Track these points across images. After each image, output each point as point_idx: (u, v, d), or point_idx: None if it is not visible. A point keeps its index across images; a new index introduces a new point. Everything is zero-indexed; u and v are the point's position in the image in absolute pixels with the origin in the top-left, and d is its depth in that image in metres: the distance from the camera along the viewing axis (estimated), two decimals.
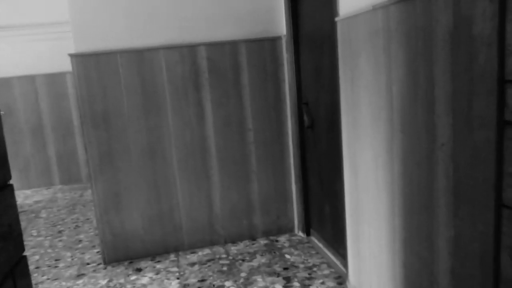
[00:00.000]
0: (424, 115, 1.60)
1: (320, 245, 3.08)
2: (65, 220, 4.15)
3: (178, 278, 2.76)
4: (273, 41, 3.16)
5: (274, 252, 3.05)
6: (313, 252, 3.01)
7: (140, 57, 2.99)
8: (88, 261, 3.17)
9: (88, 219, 4.14)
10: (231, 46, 3.11)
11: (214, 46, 3.08)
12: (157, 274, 2.85)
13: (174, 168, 3.14)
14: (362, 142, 2.13)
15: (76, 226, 3.97)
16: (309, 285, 2.56)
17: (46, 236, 3.76)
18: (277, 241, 3.26)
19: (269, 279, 2.66)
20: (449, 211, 1.50)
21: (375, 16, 1.85)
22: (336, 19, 2.24)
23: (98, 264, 3.09)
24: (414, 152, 1.69)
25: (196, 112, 3.13)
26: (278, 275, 2.70)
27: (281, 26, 3.15)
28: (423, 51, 1.55)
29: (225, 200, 3.26)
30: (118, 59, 2.95)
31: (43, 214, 4.40)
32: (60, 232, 3.85)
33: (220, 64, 3.11)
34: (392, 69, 1.78)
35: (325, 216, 2.97)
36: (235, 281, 2.67)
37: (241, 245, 3.22)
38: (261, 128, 3.25)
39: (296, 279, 2.63)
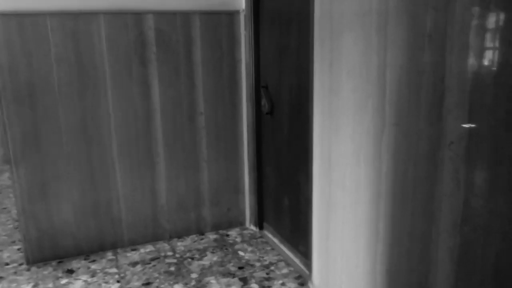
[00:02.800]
0: (427, 107, 1.40)
1: (275, 240, 2.86)
2: None
3: (118, 281, 2.40)
4: (231, 15, 2.84)
5: (226, 249, 2.78)
6: (268, 248, 2.79)
7: (75, 21, 2.52)
8: (7, 260, 2.69)
9: (5, 208, 3.58)
10: (184, 17, 2.74)
11: (164, 16, 2.69)
12: (92, 276, 2.47)
13: (113, 154, 2.74)
14: (341, 133, 1.91)
15: None
16: (269, 286, 2.33)
17: None
18: (227, 235, 3.00)
19: (224, 280, 2.39)
20: (456, 217, 1.32)
21: None
22: None
23: (20, 265, 2.62)
24: (410, 149, 1.50)
25: (141, 91, 2.74)
26: (234, 275, 2.44)
27: None
28: (434, 31, 1.34)
29: (171, 191, 2.92)
30: (48, 22, 2.47)
31: None
32: None
33: (170, 37, 2.73)
34: (387, 52, 1.56)
35: (282, 209, 2.75)
36: (186, 283, 2.37)
37: (188, 241, 2.92)
38: (214, 112, 2.93)
39: (253, 280, 2.39)
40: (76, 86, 2.58)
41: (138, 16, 2.64)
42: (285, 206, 2.71)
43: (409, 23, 1.44)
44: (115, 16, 2.60)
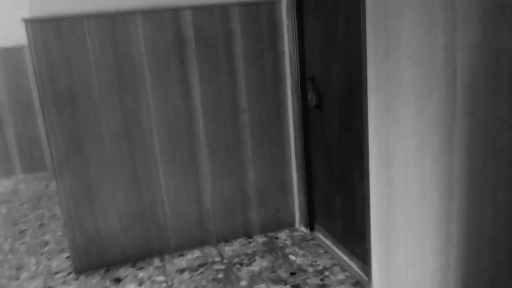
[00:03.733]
0: (509, 92, 1.18)
1: (328, 242, 2.68)
2: (28, 217, 3.60)
3: None
4: (271, 4, 2.67)
5: (276, 253, 2.63)
6: (321, 251, 2.61)
7: (112, 22, 2.45)
8: (56, 269, 2.68)
9: (54, 215, 3.60)
10: (222, 11, 2.60)
11: (201, 11, 2.57)
12: (140, 285, 2.39)
13: (156, 157, 2.65)
14: (401, 126, 1.70)
15: (41, 224, 3.43)
16: None
17: (6, 238, 3.23)
18: (276, 238, 2.85)
19: None
20: None
21: None
22: None
23: (69, 274, 2.60)
24: (489, 141, 1.28)
25: (181, 90, 2.63)
26: (286, 282, 2.29)
27: None
28: None
29: (216, 193, 2.81)
30: (85, 25, 2.40)
31: (3, 210, 3.83)
32: (22, 232, 3.31)
33: (209, 33, 2.60)
34: (457, 31, 1.34)
35: (335, 209, 2.56)
36: None
37: (236, 245, 2.79)
38: (258, 109, 2.78)
39: (307, 287, 2.22)
40: (116, 89, 2.51)
41: (175, 12, 2.53)
42: (338, 206, 2.52)
43: None
44: (152, 14, 2.50)
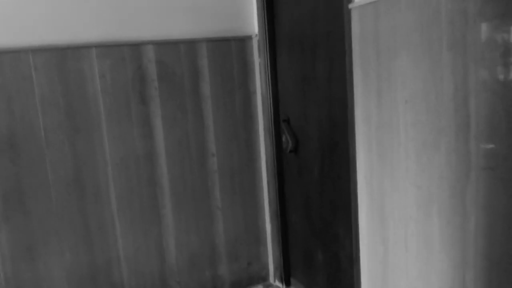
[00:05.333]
0: None
1: None
2: None
3: None
4: (242, 41, 2.48)
5: None
6: None
7: (63, 57, 2.16)
8: None
9: None
10: (189, 47, 2.38)
11: (166, 46, 2.33)
12: None
13: (112, 208, 2.32)
14: (399, 179, 1.50)
15: None
16: None
17: None
18: None
19: None
20: None
21: None
22: (351, 6, 1.61)
23: None
24: None
25: (142, 133, 2.34)
26: None
27: (252, 22, 2.47)
28: None
29: (181, 247, 2.49)
30: (31, 59, 2.10)
31: None
32: None
33: (174, 70, 2.36)
34: (469, 72, 1.17)
35: (315, 264, 2.31)
36: None
37: None
38: (227, 153, 2.53)
39: None
40: (66, 131, 2.19)
41: (136, 47, 2.28)
42: (319, 261, 2.27)
43: (507, 26, 1.05)
44: (110, 48, 2.24)
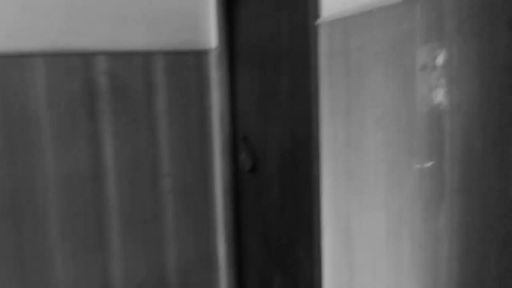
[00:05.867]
0: None
1: None
2: None
3: None
4: (200, 55, 2.39)
5: None
6: None
7: (2, 67, 1.95)
8: None
9: None
10: (143, 59, 2.25)
11: (119, 57, 2.19)
12: None
13: (52, 236, 2.11)
14: (367, 201, 1.44)
15: None
16: None
17: None
18: None
19: None
20: None
21: (412, 12, 1.21)
22: (318, 22, 1.57)
23: None
24: (491, 225, 1.05)
25: (90, 150, 2.17)
26: None
27: (211, 35, 2.39)
28: None
29: (129, 276, 2.30)
30: None
31: None
32: None
33: (127, 83, 2.22)
34: (446, 92, 1.15)
35: None
36: None
37: None
38: (182, 172, 2.40)
39: None
40: (1, 149, 1.97)
41: (86, 58, 2.12)
42: (277, 286, 2.17)
43: (485, 46, 1.04)
44: (56, 58, 2.07)
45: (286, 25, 1.87)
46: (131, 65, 2.21)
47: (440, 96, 1.16)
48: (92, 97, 2.14)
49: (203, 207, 2.47)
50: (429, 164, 1.31)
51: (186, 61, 2.35)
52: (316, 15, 1.59)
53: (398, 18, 1.25)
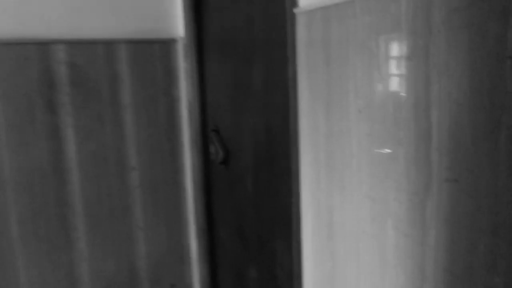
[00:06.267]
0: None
1: None
2: None
3: None
4: (166, 44, 2.29)
5: None
6: None
7: None
8: None
9: None
10: (106, 48, 2.13)
11: (79, 46, 2.06)
12: None
13: (12, 237, 1.97)
14: (350, 192, 1.44)
15: None
16: None
17: None
18: None
19: None
20: None
21: (397, 1, 1.20)
22: (296, 10, 1.53)
23: None
24: (481, 216, 1.07)
25: (50, 146, 2.04)
26: None
27: (177, 23, 2.29)
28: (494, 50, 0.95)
29: (97, 276, 2.20)
30: None
31: None
32: None
33: (89, 74, 2.09)
34: (432, 82, 1.15)
35: (248, 282, 2.19)
36: None
37: None
38: (150, 166, 2.31)
39: None
40: None
41: (43, 47, 1.97)
42: (253, 278, 2.15)
43: (474, 37, 1.04)
44: (10, 47, 1.90)
45: (261, 14, 1.82)
46: (93, 54, 2.08)
47: (427, 86, 1.16)
48: (51, 89, 2.00)
49: (173, 201, 2.40)
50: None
51: (152, 51, 2.25)
52: (294, 3, 1.55)
53: (383, 7, 1.24)
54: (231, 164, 2.18)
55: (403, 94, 1.22)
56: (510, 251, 1.02)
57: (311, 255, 1.66)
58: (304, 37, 1.53)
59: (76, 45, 2.04)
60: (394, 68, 1.24)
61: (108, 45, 2.12)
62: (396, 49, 1.22)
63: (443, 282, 1.19)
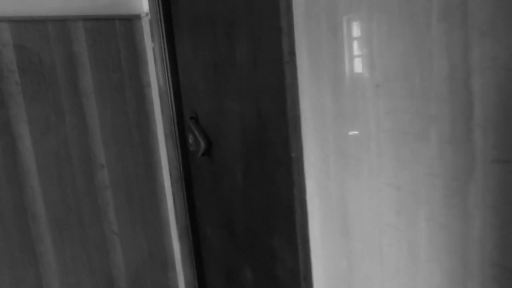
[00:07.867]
0: None
1: None
2: None
3: None
4: (129, 21, 2.00)
5: None
6: None
7: None
8: None
9: None
10: (60, 27, 1.82)
11: (28, 25, 1.74)
12: None
13: None
14: (370, 181, 1.24)
15: None
16: None
17: None
18: None
19: None
20: None
21: None
22: None
23: None
24: None
25: (2, 146, 1.72)
26: None
27: None
28: None
29: None
30: None
31: None
32: None
33: (41, 57, 1.78)
34: (471, 48, 0.95)
35: (242, 284, 1.98)
36: None
37: None
38: (121, 162, 2.03)
39: None
40: None
41: None
42: (248, 281, 1.94)
43: None
44: None
45: None
46: (45, 35, 1.77)
47: (466, 51, 0.97)
48: None
49: (150, 199, 2.14)
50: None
51: (113, 30, 1.95)
52: None
53: None
54: (215, 155, 1.94)
55: (434, 62, 1.03)
56: None
57: (320, 252, 1.46)
58: (302, 3, 1.30)
59: (24, 24, 1.71)
60: (422, 31, 1.04)
61: (62, 24, 1.81)
62: (424, 8, 1.02)
63: (492, 278, 1.02)
